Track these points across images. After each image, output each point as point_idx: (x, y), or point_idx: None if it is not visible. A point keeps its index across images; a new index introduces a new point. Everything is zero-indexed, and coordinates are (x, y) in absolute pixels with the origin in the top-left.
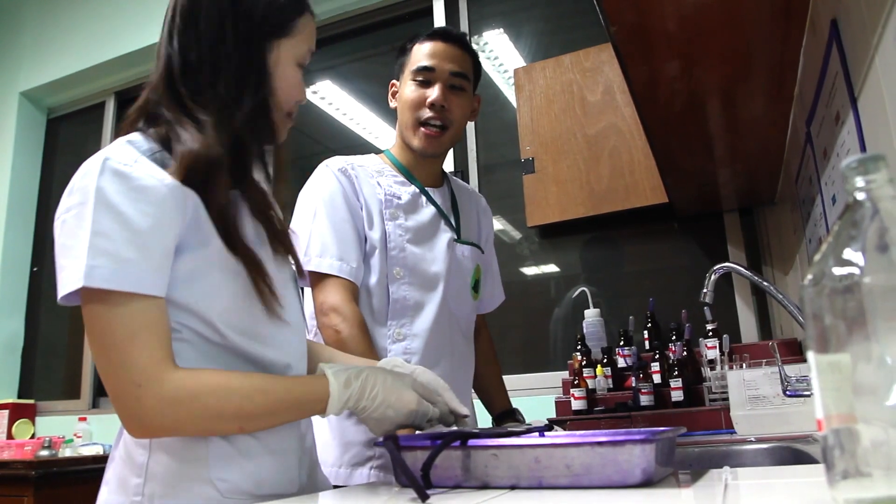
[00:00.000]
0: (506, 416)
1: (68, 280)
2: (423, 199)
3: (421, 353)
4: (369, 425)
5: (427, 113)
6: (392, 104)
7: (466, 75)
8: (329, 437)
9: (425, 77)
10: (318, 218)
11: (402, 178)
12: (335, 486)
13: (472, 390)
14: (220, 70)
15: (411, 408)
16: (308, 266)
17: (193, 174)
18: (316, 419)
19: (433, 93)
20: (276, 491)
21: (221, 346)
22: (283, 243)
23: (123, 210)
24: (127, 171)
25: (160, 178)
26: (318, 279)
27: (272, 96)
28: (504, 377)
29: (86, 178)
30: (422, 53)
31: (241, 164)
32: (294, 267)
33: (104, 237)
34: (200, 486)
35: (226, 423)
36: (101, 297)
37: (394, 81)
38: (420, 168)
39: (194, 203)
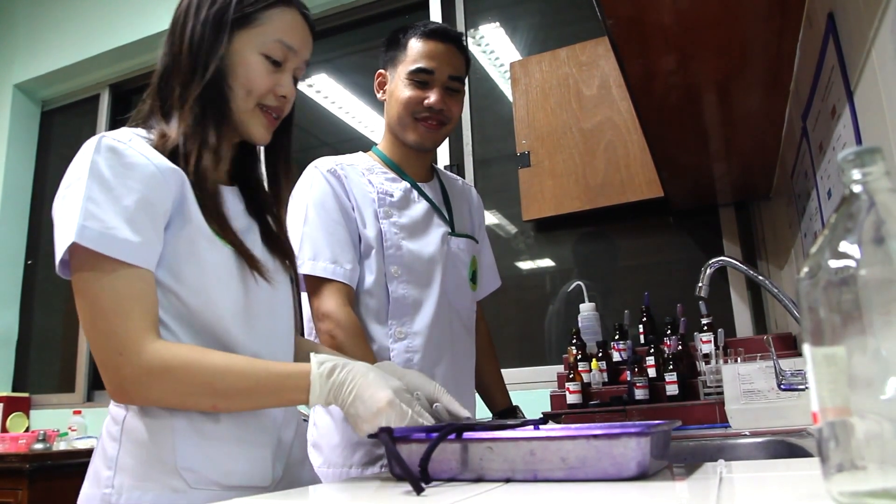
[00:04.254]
0: (507, 414)
1: (62, 240)
2: (415, 193)
3: (423, 351)
4: (349, 422)
5: (425, 113)
6: (379, 95)
7: (462, 78)
8: (338, 438)
9: (423, 79)
10: (310, 221)
11: (392, 175)
12: None
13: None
14: (192, 63)
15: (380, 406)
16: (302, 270)
17: (172, 155)
18: (324, 418)
19: (432, 96)
20: (246, 483)
21: (202, 331)
22: (277, 244)
23: (112, 183)
24: (120, 148)
25: (150, 158)
26: (313, 283)
27: (231, 83)
28: (501, 371)
29: (82, 154)
30: (419, 53)
31: (222, 157)
32: (291, 272)
33: (95, 204)
34: (168, 478)
35: (198, 399)
36: (91, 263)
37: (381, 71)
38: (410, 163)
39: (181, 182)
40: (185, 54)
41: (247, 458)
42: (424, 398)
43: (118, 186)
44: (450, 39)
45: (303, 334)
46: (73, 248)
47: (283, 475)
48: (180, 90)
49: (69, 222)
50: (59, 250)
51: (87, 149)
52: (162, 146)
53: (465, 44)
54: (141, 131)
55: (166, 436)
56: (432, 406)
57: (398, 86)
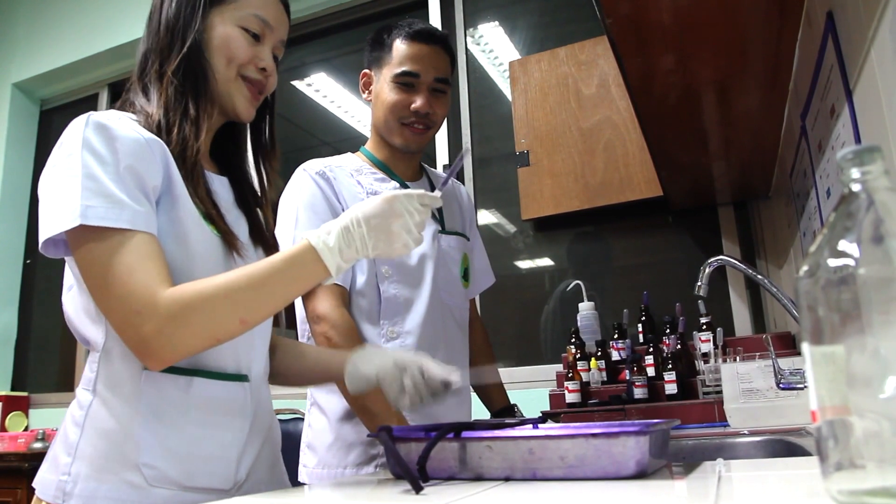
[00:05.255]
0: (504, 413)
1: (60, 220)
2: None
3: (415, 350)
4: (380, 251)
5: (411, 118)
6: (365, 96)
7: (448, 80)
8: (331, 439)
9: (409, 82)
10: (300, 224)
11: (381, 175)
12: None
13: (471, 388)
14: (170, 39)
15: (386, 197)
16: None
17: (156, 130)
18: (319, 419)
19: (418, 100)
20: (206, 485)
21: None
22: (263, 238)
23: (107, 157)
24: (109, 125)
25: (140, 132)
26: None
27: (210, 55)
28: (498, 370)
29: (71, 131)
30: (404, 55)
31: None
32: None
33: (94, 180)
34: (127, 472)
35: (226, 322)
36: (98, 235)
37: (366, 71)
38: (398, 163)
39: (166, 156)
40: (163, 33)
41: (210, 459)
42: (418, 371)
43: (113, 160)
44: (435, 41)
45: (296, 337)
46: (75, 227)
47: (247, 478)
48: (158, 66)
49: (66, 203)
50: (51, 230)
51: (77, 126)
52: (146, 123)
53: (449, 43)
54: (128, 114)
55: (130, 428)
56: (424, 377)
57: (384, 88)
